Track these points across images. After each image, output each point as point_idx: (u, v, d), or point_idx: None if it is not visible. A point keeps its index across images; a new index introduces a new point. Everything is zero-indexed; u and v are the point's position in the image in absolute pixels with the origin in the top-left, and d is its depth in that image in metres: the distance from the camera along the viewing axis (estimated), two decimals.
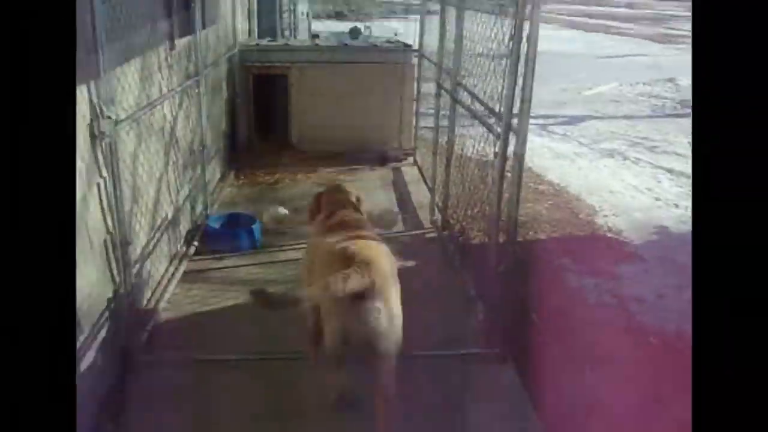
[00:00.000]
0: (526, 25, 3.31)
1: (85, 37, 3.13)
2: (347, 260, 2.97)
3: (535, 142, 9.85)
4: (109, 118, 3.24)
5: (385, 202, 6.65)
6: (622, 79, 18.82)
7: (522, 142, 3.46)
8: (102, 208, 3.42)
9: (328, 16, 42.73)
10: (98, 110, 3.24)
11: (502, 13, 3.95)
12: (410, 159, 8.06)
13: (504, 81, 3.62)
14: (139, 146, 4.02)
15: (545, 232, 6.56)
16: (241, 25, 8.26)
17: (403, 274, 4.89)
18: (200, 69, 5.32)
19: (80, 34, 3.10)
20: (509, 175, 3.69)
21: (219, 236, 5.43)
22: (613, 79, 18.61)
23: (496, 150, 3.76)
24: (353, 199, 3.80)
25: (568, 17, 48.25)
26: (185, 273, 4.93)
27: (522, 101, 3.41)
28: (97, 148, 3.31)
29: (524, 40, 3.32)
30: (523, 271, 4.77)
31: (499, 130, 3.71)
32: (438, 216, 5.94)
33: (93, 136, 3.25)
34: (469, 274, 4.79)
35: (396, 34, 27.13)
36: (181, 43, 4.99)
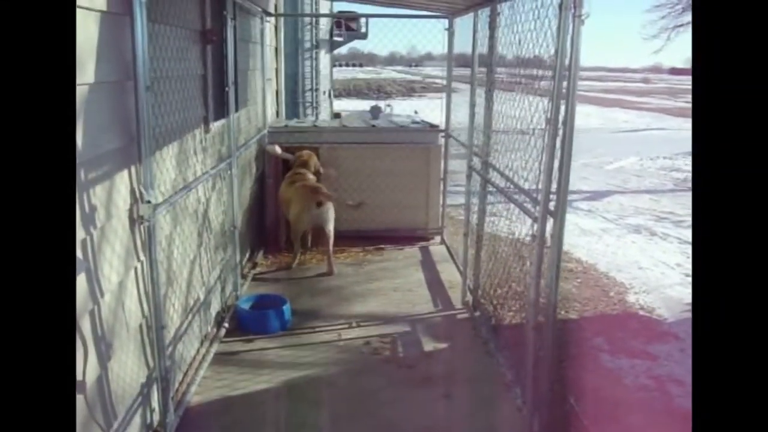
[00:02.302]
0: (562, 105, 3.33)
1: (129, 124, 3.19)
2: (313, 189, 6.84)
3: None
4: (149, 202, 3.26)
5: (415, 282, 6.60)
6: (642, 153, 18.91)
7: (560, 226, 3.43)
8: (138, 292, 3.41)
9: (349, 95, 43.62)
10: (138, 194, 3.26)
11: (534, 92, 3.98)
12: (438, 238, 8.05)
13: (541, 162, 3.62)
14: (174, 229, 4.04)
15: (576, 311, 6.46)
16: (270, 106, 8.41)
17: (436, 357, 4.86)
18: (232, 151, 5.39)
19: (124, 122, 3.16)
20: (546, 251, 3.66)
21: (249, 318, 5.40)
22: (633, 154, 18.69)
23: (534, 233, 3.72)
24: (311, 165, 7.37)
25: (584, 92, 48.88)
26: (216, 355, 4.87)
27: (559, 184, 3.40)
28: (136, 232, 3.33)
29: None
30: (557, 354, 4.68)
31: (536, 212, 3.69)
32: (469, 296, 5.87)
33: (132, 220, 3.27)
34: (505, 358, 4.69)
35: (416, 112, 27.57)
36: (215, 126, 5.07)
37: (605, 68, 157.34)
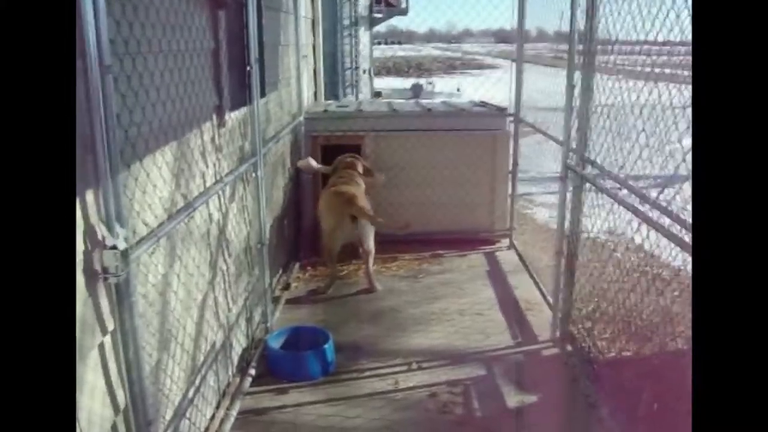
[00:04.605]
0: None
1: (80, 125, 2.00)
2: (347, 199, 5.50)
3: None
4: (114, 248, 2.08)
5: (485, 302, 5.37)
6: None
7: None
8: (107, 380, 2.25)
9: (388, 73, 42.26)
10: (99, 236, 2.09)
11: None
12: (505, 241, 6.80)
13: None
14: (171, 267, 2.87)
15: (683, 337, 5.17)
16: (307, 88, 7.20)
17: (524, 418, 3.71)
18: (258, 147, 4.20)
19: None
20: None
21: (281, 361, 4.25)
22: None
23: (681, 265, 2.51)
24: (358, 166, 6.09)
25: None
26: (239, 415, 3.73)
27: None
28: (99, 293, 2.16)
29: None
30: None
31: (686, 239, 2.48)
32: (558, 325, 4.64)
33: (91, 276, 2.10)
34: (621, 424, 3.45)
35: (458, 90, 26.20)
36: (233, 116, 3.90)
37: None
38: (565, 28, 4.48)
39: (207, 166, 3.38)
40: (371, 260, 5.66)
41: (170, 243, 2.84)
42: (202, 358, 3.35)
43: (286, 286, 5.66)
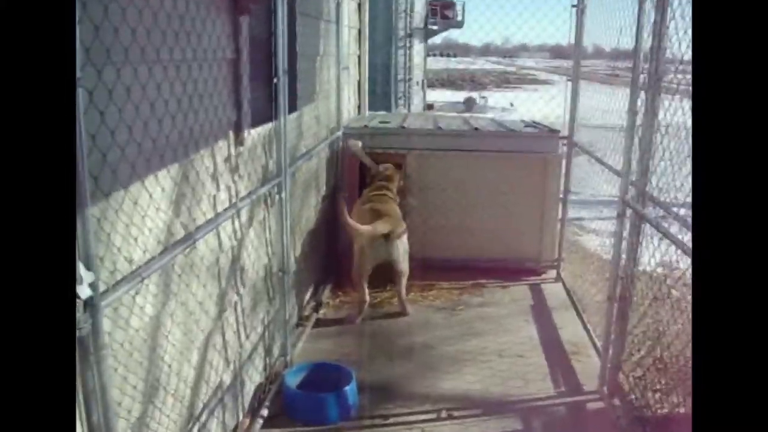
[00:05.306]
0: None
1: None
2: (381, 216, 5.28)
3: None
4: (77, 297, 1.73)
5: (526, 343, 4.93)
6: None
7: None
8: None
9: (442, 86, 41.97)
10: None
11: None
12: (552, 272, 6.33)
13: None
14: (164, 307, 2.51)
15: None
16: (348, 101, 6.85)
17: None
18: (283, 167, 3.84)
19: None
20: None
21: (298, 401, 3.87)
22: None
23: None
24: (393, 179, 5.92)
25: None
26: None
27: None
28: None
29: None
30: None
31: None
32: (606, 377, 4.17)
33: None
34: None
35: (511, 105, 25.79)
36: (254, 134, 3.54)
37: None
38: (625, 45, 4.07)
39: (218, 189, 3.03)
40: (404, 281, 5.38)
41: (164, 279, 2.49)
42: (201, 404, 2.99)
43: (317, 307, 5.32)
